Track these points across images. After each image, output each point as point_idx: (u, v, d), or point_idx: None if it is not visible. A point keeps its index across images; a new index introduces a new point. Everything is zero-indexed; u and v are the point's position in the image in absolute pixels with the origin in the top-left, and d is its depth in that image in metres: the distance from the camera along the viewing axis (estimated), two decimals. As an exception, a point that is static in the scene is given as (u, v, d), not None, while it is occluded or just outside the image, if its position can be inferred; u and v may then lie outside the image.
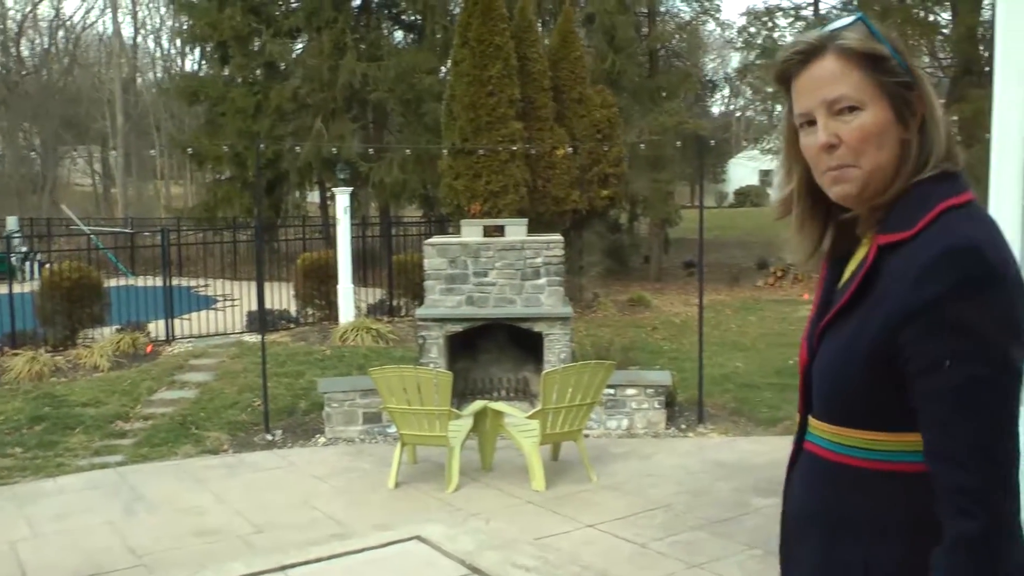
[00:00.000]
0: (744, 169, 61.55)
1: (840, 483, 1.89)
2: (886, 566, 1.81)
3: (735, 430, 10.47)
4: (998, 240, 1.73)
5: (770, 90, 27.29)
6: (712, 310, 19.79)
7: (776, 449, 9.48)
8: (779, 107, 28.78)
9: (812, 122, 1.86)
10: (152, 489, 8.49)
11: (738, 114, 58.43)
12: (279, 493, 8.39)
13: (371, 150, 22.61)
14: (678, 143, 20.63)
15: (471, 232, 11.32)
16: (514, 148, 15.58)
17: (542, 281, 10.93)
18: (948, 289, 1.66)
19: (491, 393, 11.37)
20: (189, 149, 26.06)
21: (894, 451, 1.80)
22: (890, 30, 1.86)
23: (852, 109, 1.81)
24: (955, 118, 23.38)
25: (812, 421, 1.99)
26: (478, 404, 9.03)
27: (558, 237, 11.59)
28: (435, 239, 11.51)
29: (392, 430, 9.96)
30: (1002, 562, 1.65)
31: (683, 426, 10.60)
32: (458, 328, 10.91)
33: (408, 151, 21.76)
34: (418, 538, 5.45)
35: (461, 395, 10.78)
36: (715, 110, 53.66)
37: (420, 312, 11.08)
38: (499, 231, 11.36)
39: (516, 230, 11.38)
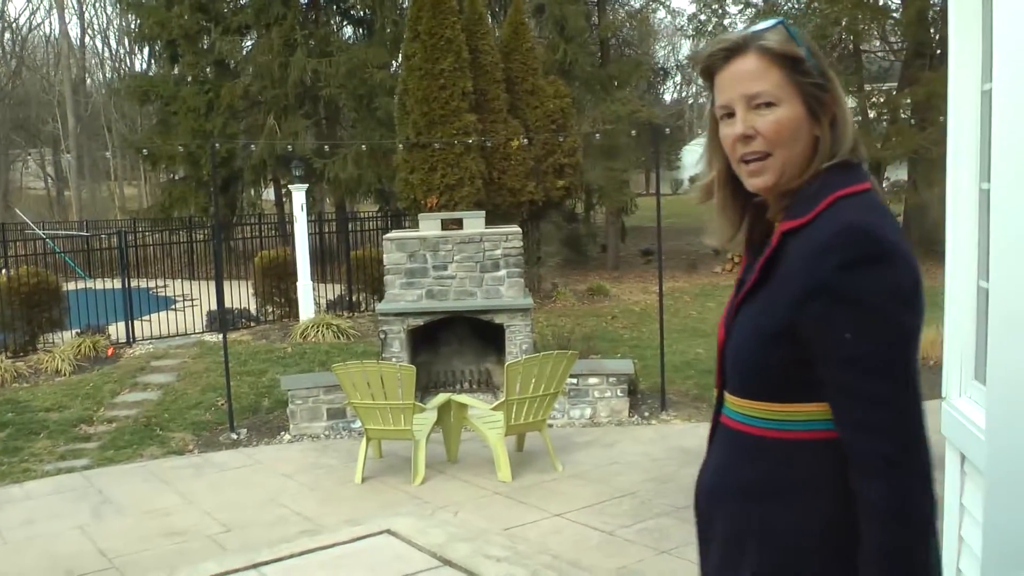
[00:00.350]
0: (698, 155, 61.49)
1: (754, 453, 2.01)
2: (796, 529, 1.93)
3: (698, 416, 10.59)
4: (888, 224, 1.87)
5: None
6: (671, 297, 19.94)
7: (737, 432, 9.63)
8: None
9: (732, 114, 1.98)
10: (119, 492, 8.52)
11: (691, 101, 58.62)
12: (247, 491, 8.45)
13: (326, 147, 22.54)
14: (632, 132, 20.72)
15: (429, 226, 11.40)
16: (469, 141, 15.63)
17: (502, 273, 11.03)
18: (843, 266, 1.80)
19: (454, 386, 11.47)
20: (144, 150, 25.87)
21: (804, 420, 1.93)
22: (807, 35, 1.99)
23: (769, 104, 1.94)
24: (908, 101, 23.73)
25: (727, 396, 2.12)
26: (442, 397, 9.12)
27: (516, 229, 11.69)
28: (393, 234, 11.57)
29: (357, 425, 10.04)
30: (921, 516, 1.79)
31: (646, 414, 10.73)
32: (419, 322, 11.00)
33: (363, 146, 21.71)
34: (388, 532, 5.53)
35: (424, 388, 10.87)
36: (667, 97, 53.86)
37: (381, 307, 11.16)
38: (457, 224, 11.43)
39: (474, 223, 11.46)
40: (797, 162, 1.96)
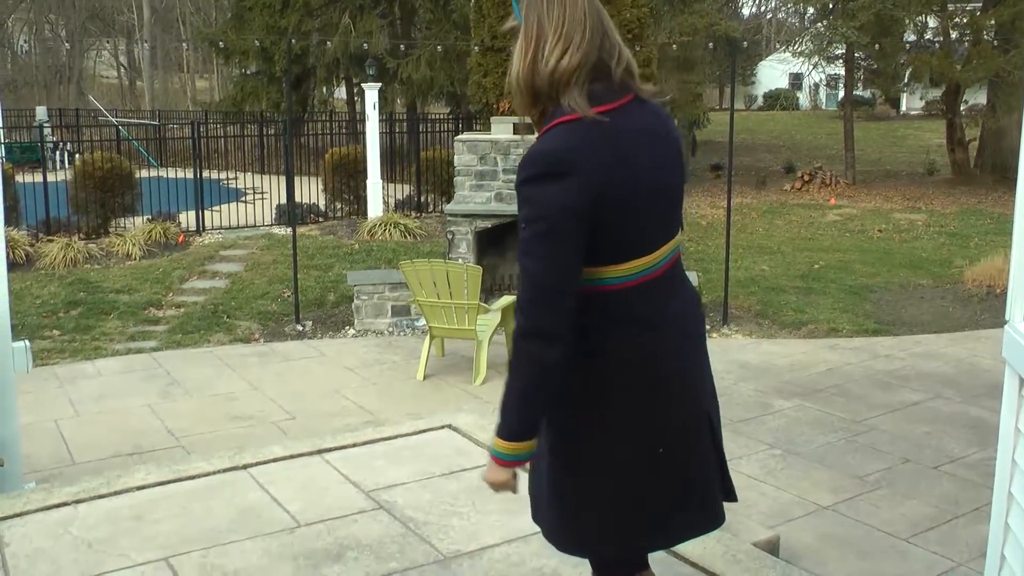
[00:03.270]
0: (774, 72, 60.57)
1: None
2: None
3: (759, 332, 10.53)
4: (572, 146, 2.47)
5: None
6: (739, 213, 19.67)
7: (800, 352, 9.58)
8: (811, 9, 28.30)
9: None
10: (187, 374, 8.71)
11: (769, 16, 57.33)
12: (311, 382, 8.58)
13: (401, 46, 22.39)
14: (709, 45, 20.35)
15: (501, 129, 11.33)
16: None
17: (572, 179, 10.94)
18: (522, 178, 2.50)
19: (517, 289, 11.45)
20: (219, 43, 25.86)
21: None
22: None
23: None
24: (991, 22, 23.04)
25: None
26: (507, 299, 9.15)
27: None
28: (465, 135, 11.53)
29: (420, 323, 10.09)
30: (533, 355, 2.52)
31: (708, 327, 10.66)
32: (487, 224, 10.99)
33: (438, 47, 21.55)
34: (449, 427, 5.57)
35: (488, 291, 10.88)
36: (745, 11, 52.57)
37: (449, 208, 11.17)
38: (529, 129, 11.32)
39: (547, 128, 11.35)
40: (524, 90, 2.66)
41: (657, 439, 2.66)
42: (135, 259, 13.66)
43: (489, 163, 10.99)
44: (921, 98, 34.93)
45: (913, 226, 18.46)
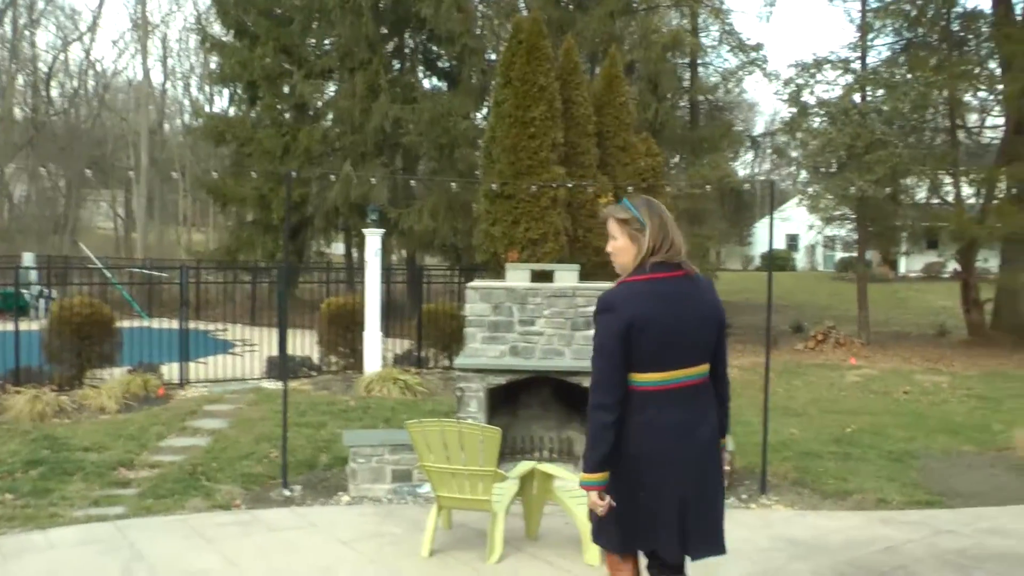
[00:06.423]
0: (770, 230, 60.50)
1: None
2: None
3: (801, 503, 9.44)
4: (620, 297, 4.39)
5: (794, 155, 26.53)
6: (754, 373, 18.92)
7: (852, 527, 8.56)
8: (804, 173, 28.04)
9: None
10: (154, 548, 7.49)
11: (761, 177, 57.68)
12: (298, 558, 7.38)
13: (405, 196, 21.76)
14: (723, 196, 19.80)
15: (516, 276, 10.37)
16: (554, 185, 14.57)
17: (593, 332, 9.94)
18: (596, 311, 4.49)
19: (532, 453, 10.38)
20: (214, 191, 25.29)
21: None
22: (639, 201, 4.60)
23: (613, 237, 4.55)
24: (1002, 179, 22.54)
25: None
26: (526, 465, 8.01)
27: (612, 285, 10.61)
28: (478, 282, 10.53)
29: (424, 490, 9.01)
30: (592, 426, 4.41)
31: (744, 496, 9.57)
32: (501, 380, 9.90)
33: (445, 195, 20.85)
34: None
35: (499, 455, 9.75)
36: (740, 170, 52.73)
37: (460, 361, 10.08)
38: (547, 277, 10.39)
39: (566, 276, 10.41)
40: (627, 264, 4.49)
41: (638, 486, 4.42)
42: (110, 413, 12.56)
43: (504, 313, 9.98)
44: (943, 258, 34.34)
45: (938, 388, 17.78)
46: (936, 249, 34.34)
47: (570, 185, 12.91)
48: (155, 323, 16.96)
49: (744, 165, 55.81)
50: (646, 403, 4.35)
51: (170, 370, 14.93)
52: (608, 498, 4.40)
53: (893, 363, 21.06)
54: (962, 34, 24.96)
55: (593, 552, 7.21)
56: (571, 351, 9.98)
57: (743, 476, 10.16)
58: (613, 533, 4.57)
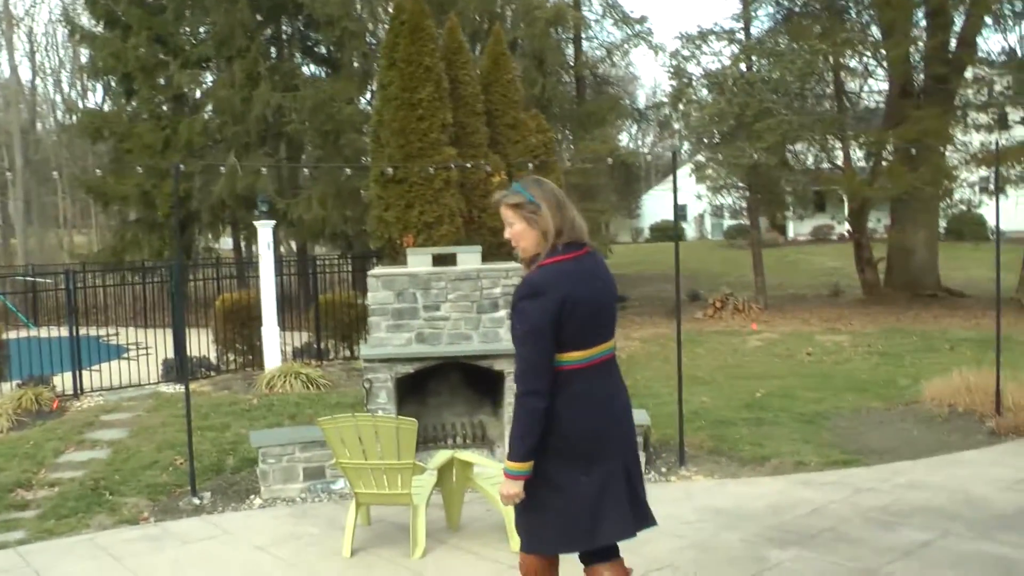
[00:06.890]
0: (658, 203, 61.35)
1: None
2: None
3: (720, 471, 9.44)
4: (548, 280, 4.28)
5: (676, 127, 26.68)
6: (656, 344, 19.02)
7: (774, 492, 8.60)
8: (686, 145, 28.18)
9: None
10: (60, 572, 7.15)
11: (644, 149, 58.12)
12: (215, 569, 7.11)
13: (296, 177, 21.35)
14: (611, 168, 19.78)
15: (419, 262, 10.16)
16: (452, 167, 14.34)
17: (501, 314, 9.81)
18: (518, 296, 4.36)
19: (444, 441, 10.22)
20: (95, 190, 24.50)
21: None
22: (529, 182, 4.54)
23: (510, 224, 4.46)
24: (890, 142, 22.96)
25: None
26: (444, 454, 7.83)
27: (517, 264, 10.47)
28: (379, 270, 10.28)
29: (338, 486, 8.81)
30: (529, 406, 4.23)
31: (663, 469, 9.54)
32: (409, 369, 9.71)
33: (332, 182, 20.49)
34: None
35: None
36: (625, 142, 53.01)
37: (365, 352, 9.85)
38: (450, 260, 10.21)
39: (469, 258, 10.25)
40: (530, 248, 4.43)
41: (583, 472, 4.37)
42: (2, 431, 12.03)
43: (408, 299, 9.78)
44: (836, 220, 34.87)
45: (840, 347, 18.09)
46: (825, 212, 34.92)
47: (469, 166, 12.60)
48: (43, 332, 16.25)
49: (630, 138, 56.20)
50: (572, 380, 4.29)
51: (63, 380, 14.38)
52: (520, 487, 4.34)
53: (793, 326, 21.33)
54: (843, 2, 25.34)
55: (518, 540, 7.08)
56: (478, 334, 9.84)
57: (660, 449, 10.14)
58: (551, 536, 4.50)
